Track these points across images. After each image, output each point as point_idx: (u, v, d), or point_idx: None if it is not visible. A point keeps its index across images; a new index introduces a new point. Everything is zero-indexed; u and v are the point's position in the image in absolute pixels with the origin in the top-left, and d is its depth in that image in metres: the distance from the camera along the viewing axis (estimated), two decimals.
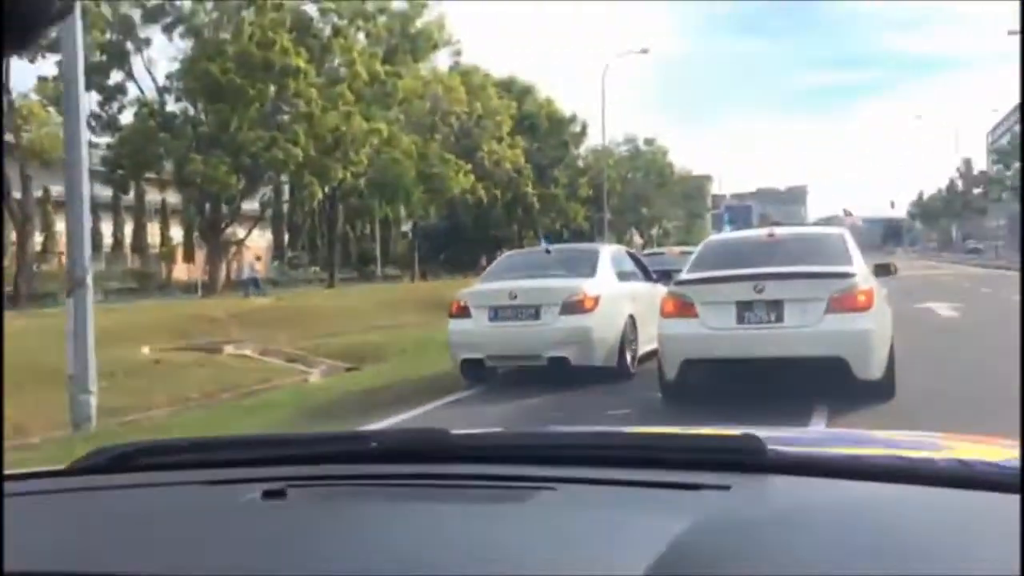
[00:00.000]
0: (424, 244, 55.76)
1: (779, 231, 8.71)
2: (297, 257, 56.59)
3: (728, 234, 11.46)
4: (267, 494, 1.13)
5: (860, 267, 7.46)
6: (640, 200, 71.59)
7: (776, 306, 7.07)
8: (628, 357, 9.35)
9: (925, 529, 0.95)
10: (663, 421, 7.02)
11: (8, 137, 28.61)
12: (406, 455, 1.29)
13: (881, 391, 7.01)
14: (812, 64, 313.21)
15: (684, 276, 7.80)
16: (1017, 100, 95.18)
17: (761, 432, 1.26)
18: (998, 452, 1.25)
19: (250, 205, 39.19)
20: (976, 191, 66.59)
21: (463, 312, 9.47)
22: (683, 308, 7.38)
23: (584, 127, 59.46)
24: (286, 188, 43.43)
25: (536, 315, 9.10)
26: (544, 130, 56.65)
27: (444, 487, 1.20)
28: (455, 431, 1.35)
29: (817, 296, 7.02)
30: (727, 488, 1.07)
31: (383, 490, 1.21)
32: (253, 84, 28.79)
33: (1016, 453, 1.24)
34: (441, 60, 44.78)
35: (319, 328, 16.97)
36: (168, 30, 33.17)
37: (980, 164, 76.44)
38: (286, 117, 30.50)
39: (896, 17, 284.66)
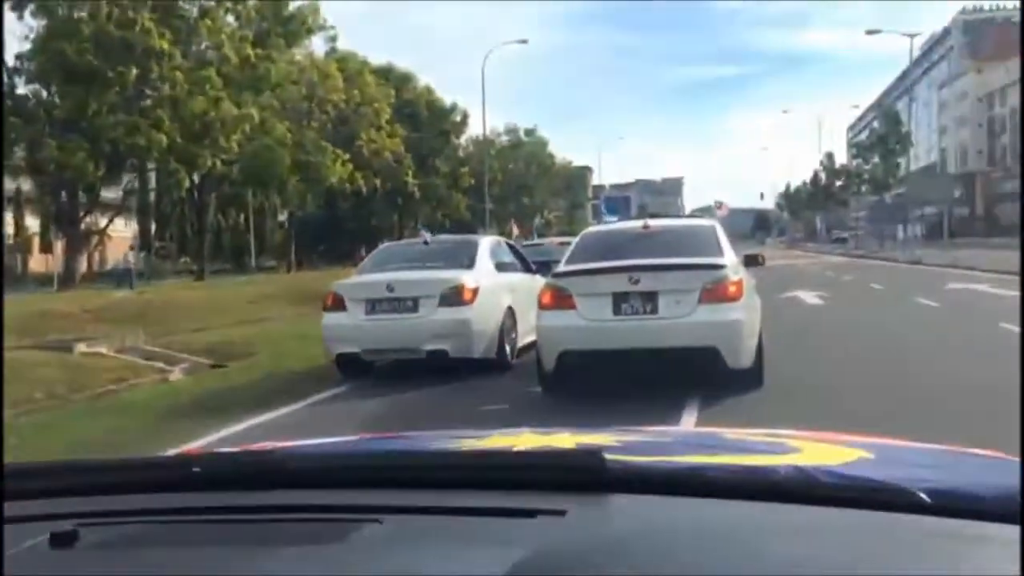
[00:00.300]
0: (302, 234, 54.31)
1: (653, 223, 8.79)
2: (165, 247, 54.07)
3: (604, 226, 11.27)
4: (55, 539, 1.02)
5: (731, 258, 7.61)
6: (522, 190, 72.06)
7: (651, 297, 7.18)
8: (507, 349, 9.30)
9: (759, 552, 0.94)
10: (540, 415, 6.94)
11: None
12: (231, 482, 1.20)
13: (750, 380, 7.16)
14: (687, 59, 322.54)
15: (561, 268, 7.83)
16: (875, 98, 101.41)
17: (610, 437, 1.30)
18: (841, 454, 1.26)
19: (115, 193, 37.06)
20: (838, 184, 69.94)
21: (338, 305, 9.23)
22: (561, 300, 7.41)
23: (465, 116, 59.30)
24: (154, 176, 41.20)
25: (414, 307, 8.94)
26: (424, 119, 56.08)
27: (265, 522, 1.11)
28: (286, 450, 1.31)
29: (690, 287, 7.15)
30: (562, 513, 1.02)
31: (197, 528, 1.12)
32: (113, 66, 27.04)
33: (856, 454, 1.26)
34: (317, 46, 43.60)
35: (183, 323, 16.04)
36: (18, 8, 30.88)
37: (842, 158, 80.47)
38: (149, 102, 28.77)
39: (767, 14, 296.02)
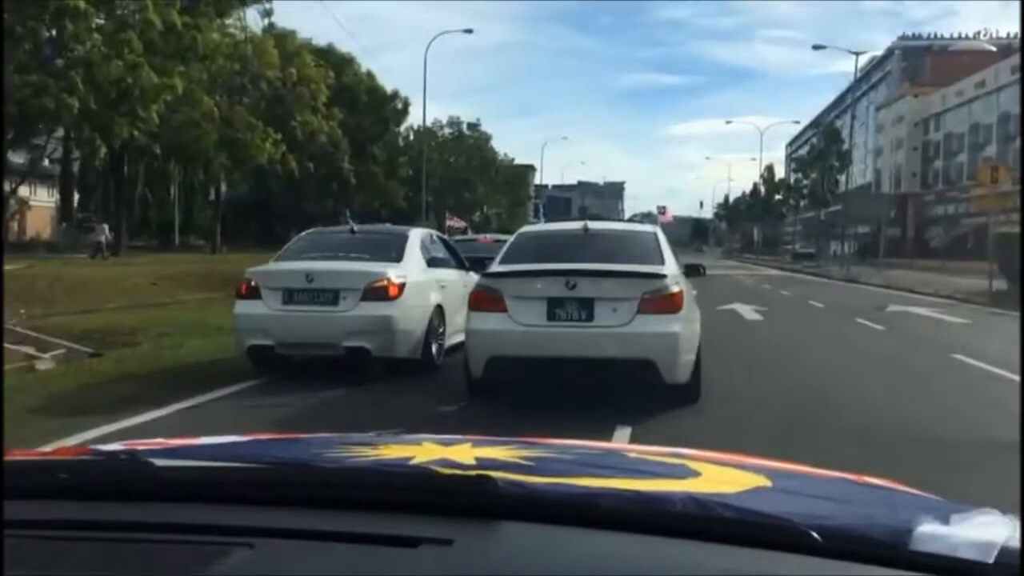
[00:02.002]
0: (231, 215, 52.29)
1: (593, 225, 8.26)
2: (87, 219, 51.37)
3: (542, 226, 10.52)
4: None
5: (672, 267, 7.18)
6: (463, 184, 71.02)
7: (587, 304, 6.75)
8: (434, 349, 8.84)
9: None
10: (462, 423, 6.26)
11: None
12: (98, 492, 1.12)
13: (687, 395, 6.85)
14: (633, 65, 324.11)
15: (494, 268, 7.32)
16: (814, 115, 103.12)
17: (512, 451, 1.36)
18: (740, 480, 1.26)
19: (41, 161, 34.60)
20: (777, 197, 70.53)
21: (252, 293, 8.58)
22: (491, 302, 6.90)
23: (406, 104, 57.88)
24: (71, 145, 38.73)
25: (334, 300, 8.38)
26: (364, 105, 54.47)
27: (130, 542, 1.03)
28: (163, 458, 1.24)
29: (629, 296, 6.72)
30: (449, 543, 0.98)
31: (50, 545, 1.03)
32: (22, 22, 24.97)
33: (755, 482, 1.26)
34: (254, 22, 41.65)
35: (73, 303, 14.56)
36: None
37: (781, 172, 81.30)
38: (62, 63, 26.67)
39: (714, 28, 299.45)
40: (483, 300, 6.98)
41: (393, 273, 8.53)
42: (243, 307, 8.59)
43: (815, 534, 0.99)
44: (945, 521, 1.08)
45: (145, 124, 29.31)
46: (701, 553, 1.00)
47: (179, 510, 1.08)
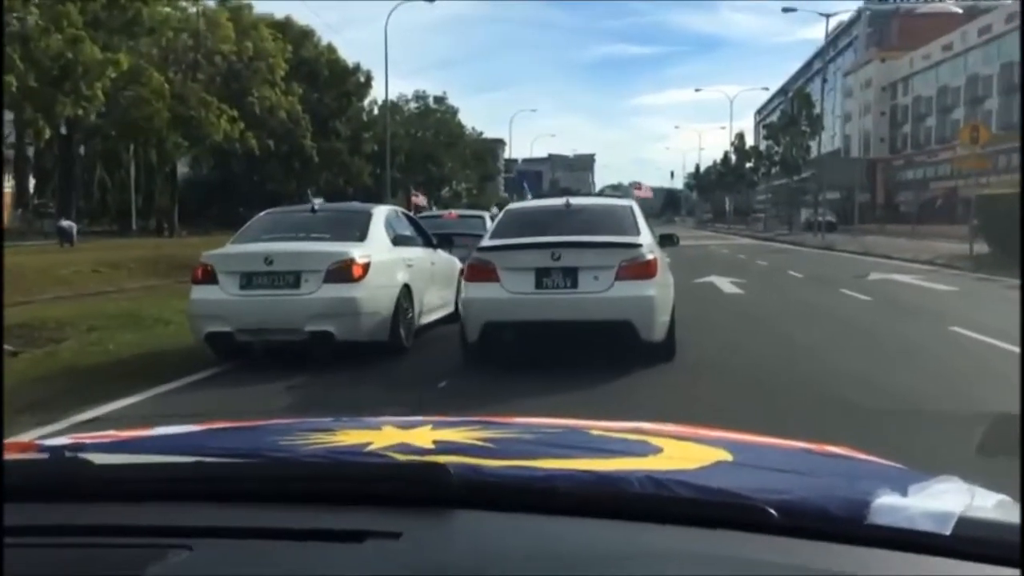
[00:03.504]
0: (192, 197, 50.79)
1: (575, 201, 9.10)
2: (44, 205, 49.63)
3: (527, 203, 11.58)
4: None
5: (647, 238, 7.85)
6: (430, 159, 69.84)
7: (571, 273, 7.44)
8: (402, 331, 8.49)
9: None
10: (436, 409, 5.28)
11: None
12: (35, 492, 1.08)
13: (663, 352, 7.52)
14: (600, 36, 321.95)
15: (486, 243, 7.96)
16: (781, 83, 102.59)
17: (471, 433, 1.35)
18: (701, 455, 1.25)
19: None
20: (748, 165, 69.89)
21: (208, 277, 8.19)
22: (485, 273, 7.57)
23: (368, 78, 56.35)
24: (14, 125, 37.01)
25: (295, 283, 8.03)
26: (325, 79, 52.94)
27: (64, 547, 0.99)
28: (108, 452, 1.23)
29: (608, 264, 7.40)
30: (397, 536, 0.96)
31: None
32: None
33: (715, 456, 1.26)
34: None
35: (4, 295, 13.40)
36: None
37: (751, 140, 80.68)
38: None
39: None
40: (477, 272, 7.63)
41: (357, 253, 8.17)
42: (199, 292, 8.19)
43: (772, 511, 0.99)
44: (904, 492, 1.08)
45: (90, 103, 27.84)
46: (659, 535, 0.99)
47: (114, 510, 1.05)
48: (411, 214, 12.65)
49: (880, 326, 10.43)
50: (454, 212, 18.05)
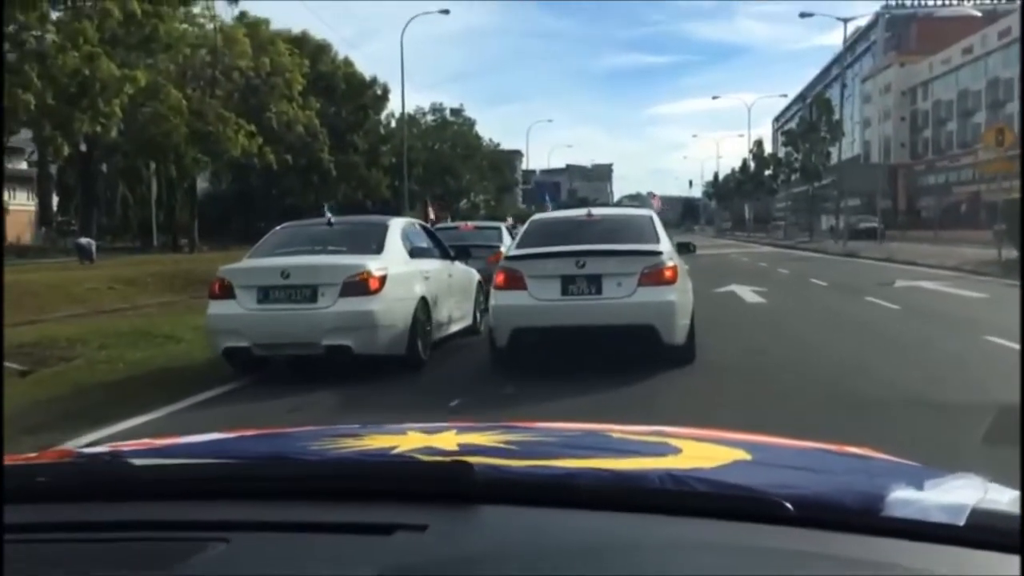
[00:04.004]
0: (213, 212, 50.96)
1: (596, 212, 9.50)
2: (67, 222, 49.96)
3: (551, 213, 11.80)
4: None
5: (666, 246, 8.21)
6: (448, 171, 69.84)
7: (595, 280, 7.76)
8: (419, 344, 8.41)
9: (621, 568, 0.95)
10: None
11: None
12: (75, 494, 1.14)
13: (684, 355, 7.85)
14: (616, 47, 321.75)
15: (513, 252, 8.37)
16: (798, 90, 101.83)
17: (494, 437, 1.39)
18: (719, 455, 1.26)
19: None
20: (767, 172, 69.30)
21: (226, 292, 8.16)
22: (514, 281, 7.89)
23: (385, 91, 56.39)
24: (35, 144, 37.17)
25: (312, 297, 7.98)
26: (342, 93, 53.02)
27: (107, 541, 1.05)
28: (145, 458, 1.28)
29: (630, 271, 7.74)
30: (423, 528, 1.00)
31: (30, 548, 1.04)
32: None
33: (733, 455, 1.27)
34: (224, 12, 40.13)
35: (13, 314, 13.30)
36: None
37: (769, 147, 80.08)
38: (14, 57, 25.19)
39: (697, 5, 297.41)
40: (507, 280, 7.95)
41: (373, 266, 8.11)
42: (216, 307, 8.17)
43: (788, 504, 1.01)
44: (919, 487, 1.09)
45: (108, 119, 27.92)
46: (677, 528, 1.01)
47: (155, 508, 1.10)
48: (428, 226, 12.55)
49: (911, 336, 10.10)
50: (470, 223, 17.85)
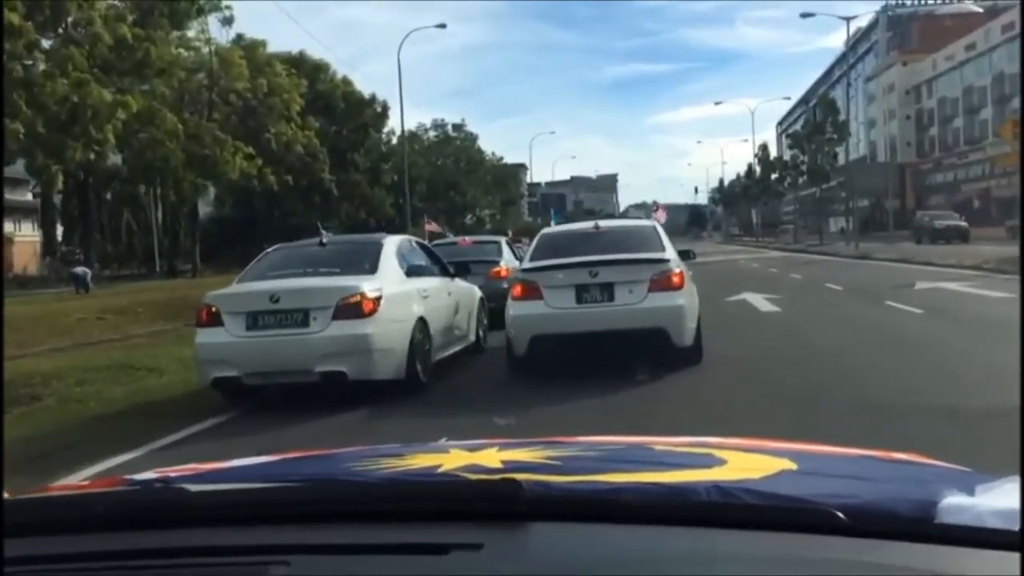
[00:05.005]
0: (216, 236, 50.57)
1: (603, 224, 9.94)
2: (72, 252, 49.72)
3: (560, 227, 12.43)
4: None
5: (672, 253, 8.66)
6: (451, 187, 69.47)
7: (608, 288, 8.18)
8: (419, 366, 8.06)
9: None
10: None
11: None
12: (133, 521, 1.15)
13: (692, 356, 8.26)
14: (616, 57, 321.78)
15: (527, 264, 8.77)
16: (802, 92, 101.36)
17: (537, 453, 1.39)
18: (765, 465, 1.26)
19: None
20: (773, 176, 68.68)
21: (213, 320, 7.81)
22: (530, 291, 8.32)
23: (385, 108, 55.98)
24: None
25: (304, 321, 7.62)
26: (341, 112, 52.63)
27: (169, 567, 1.06)
28: (195, 483, 1.28)
29: (640, 278, 8.16)
30: (479, 547, 1.01)
31: None
32: None
33: (779, 465, 1.26)
34: (221, 34, 39.84)
35: None
36: None
37: (775, 151, 79.38)
38: None
39: (696, 12, 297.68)
40: (523, 291, 8.39)
41: (367, 287, 7.77)
42: (204, 336, 7.83)
43: (840, 514, 1.00)
44: (971, 492, 1.09)
45: (101, 146, 27.48)
46: (727, 540, 1.01)
47: (214, 533, 1.11)
48: (425, 243, 12.13)
49: (940, 343, 9.44)
50: (468, 239, 17.12)
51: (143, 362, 10.43)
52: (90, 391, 9.02)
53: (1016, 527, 0.97)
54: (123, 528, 1.12)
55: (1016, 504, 1.01)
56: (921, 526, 0.99)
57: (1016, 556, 0.94)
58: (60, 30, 27.15)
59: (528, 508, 1.05)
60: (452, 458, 1.40)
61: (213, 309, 7.85)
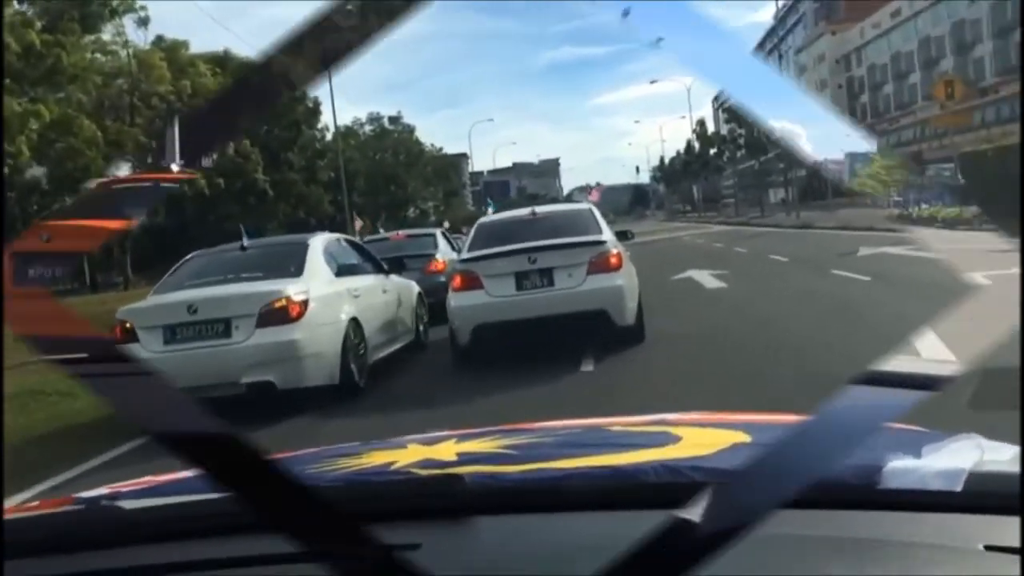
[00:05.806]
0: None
1: (539, 210, 9.88)
2: None
3: (497, 215, 12.10)
4: None
5: (609, 235, 8.74)
6: (391, 181, 68.60)
7: (547, 273, 8.25)
8: (354, 370, 7.78)
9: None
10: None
11: None
12: (77, 543, 1.15)
13: (635, 335, 8.37)
14: (550, 41, 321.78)
15: (466, 255, 8.80)
16: None
17: (495, 442, 1.37)
18: (718, 439, 1.27)
19: None
20: (712, 151, 69.11)
21: (128, 336, 7.37)
22: (470, 281, 8.35)
23: (316, 104, 54.83)
24: None
25: (226, 331, 7.36)
26: (271, 110, 51.47)
27: None
28: (140, 496, 1.31)
29: (579, 262, 8.21)
30: (416, 547, 0.99)
31: None
32: None
33: (733, 439, 1.27)
34: (137, 36, 38.43)
35: None
36: None
37: (712, 126, 79.94)
38: None
39: None
40: (463, 281, 8.41)
41: (292, 290, 7.48)
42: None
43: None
44: (917, 454, 1.09)
45: (14, 159, 26.25)
46: (673, 521, 1.01)
47: (155, 551, 1.10)
48: (355, 240, 11.77)
49: (893, 311, 9.15)
50: (401, 232, 16.46)
51: (55, 387, 9.70)
52: None
53: (957, 488, 0.96)
54: (63, 551, 1.11)
55: (959, 465, 1.01)
56: (866, 492, 0.98)
57: (958, 518, 0.94)
58: None
59: (470, 502, 1.04)
60: (408, 453, 1.38)
61: (127, 325, 7.49)
